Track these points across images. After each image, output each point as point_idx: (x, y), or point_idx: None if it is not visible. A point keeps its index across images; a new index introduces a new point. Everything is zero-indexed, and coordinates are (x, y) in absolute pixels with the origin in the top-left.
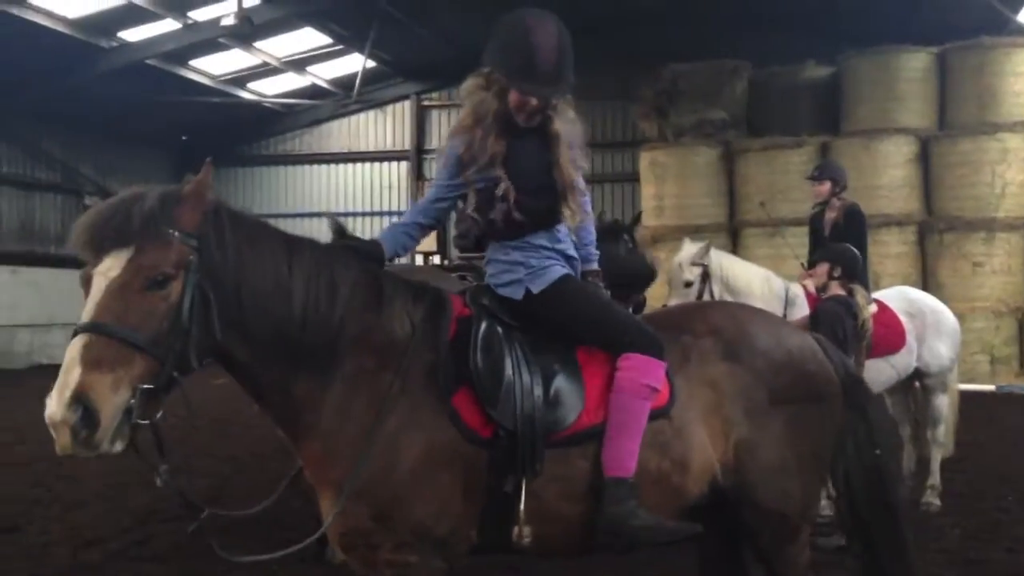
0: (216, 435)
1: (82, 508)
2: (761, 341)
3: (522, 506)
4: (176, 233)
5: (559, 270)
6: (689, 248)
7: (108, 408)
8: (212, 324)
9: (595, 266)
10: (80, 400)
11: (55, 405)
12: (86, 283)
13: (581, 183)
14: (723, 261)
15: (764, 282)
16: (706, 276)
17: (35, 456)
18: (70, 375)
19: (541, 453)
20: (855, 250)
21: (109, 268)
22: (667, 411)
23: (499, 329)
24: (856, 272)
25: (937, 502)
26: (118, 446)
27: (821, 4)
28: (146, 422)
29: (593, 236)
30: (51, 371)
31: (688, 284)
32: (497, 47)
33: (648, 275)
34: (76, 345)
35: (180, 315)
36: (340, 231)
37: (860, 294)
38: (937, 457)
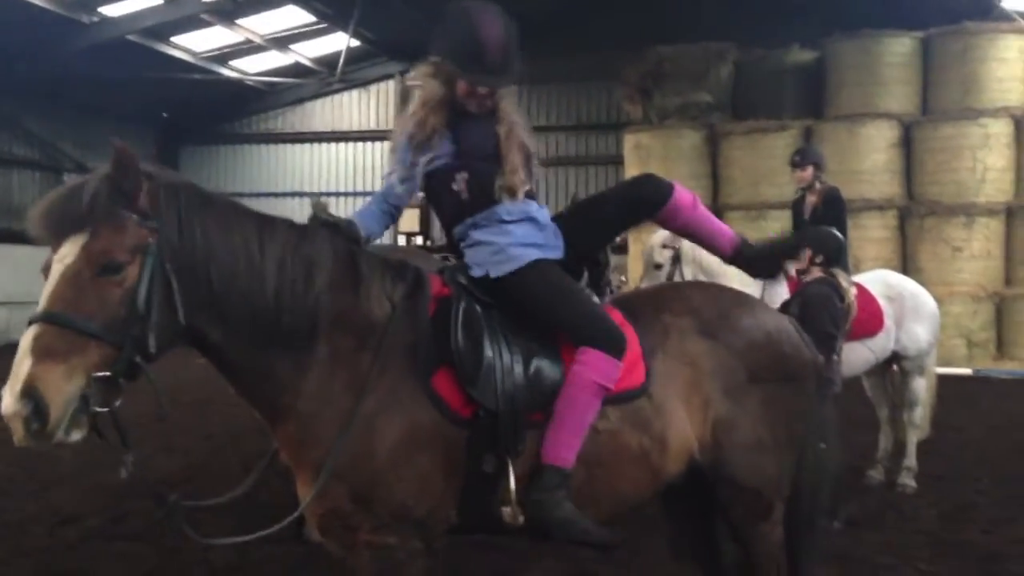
0: (196, 414)
1: (58, 486)
2: (739, 320)
3: (512, 486)
4: (133, 216)
5: (523, 255)
6: (662, 231)
7: (58, 399)
8: (175, 308)
9: None
10: (29, 392)
11: (7, 398)
12: (46, 271)
13: (528, 161)
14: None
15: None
16: (677, 259)
17: (10, 434)
18: (21, 367)
19: (523, 433)
20: (839, 236)
21: (65, 255)
22: (644, 390)
23: (478, 308)
24: (838, 258)
25: (913, 483)
26: (75, 435)
27: None
28: (104, 410)
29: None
30: None
31: (658, 267)
32: (444, 38)
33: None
34: (27, 336)
35: (136, 300)
36: (321, 210)
37: (842, 277)
38: (913, 439)
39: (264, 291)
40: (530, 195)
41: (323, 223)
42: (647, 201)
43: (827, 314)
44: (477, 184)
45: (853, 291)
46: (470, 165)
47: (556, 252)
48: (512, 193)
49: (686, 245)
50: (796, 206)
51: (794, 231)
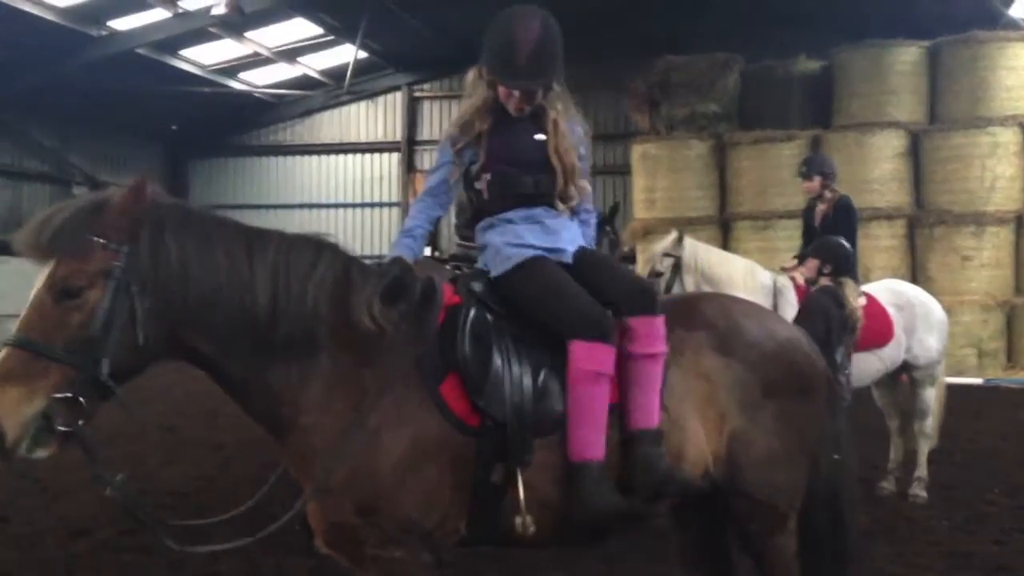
0: (204, 426)
1: (69, 498)
2: (753, 333)
3: (522, 495)
4: (101, 241)
5: (516, 254)
6: (664, 239)
7: (12, 420)
8: (135, 330)
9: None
10: None
11: None
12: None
13: (584, 169)
14: (699, 252)
15: (747, 273)
16: (678, 267)
17: None
18: None
19: (531, 443)
20: (848, 246)
21: (38, 281)
22: (661, 405)
23: (488, 317)
24: (847, 268)
25: (924, 494)
26: (40, 453)
27: None
28: (67, 429)
29: (586, 233)
30: None
31: (659, 274)
32: (486, 43)
33: None
34: None
35: (94, 323)
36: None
37: (849, 286)
38: (924, 449)
39: (256, 303)
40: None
41: (320, 235)
42: (628, 303)
43: (821, 323)
44: (498, 186)
45: (860, 301)
46: (495, 167)
47: (560, 254)
48: (564, 200)
49: (687, 253)
50: (807, 214)
51: (804, 239)
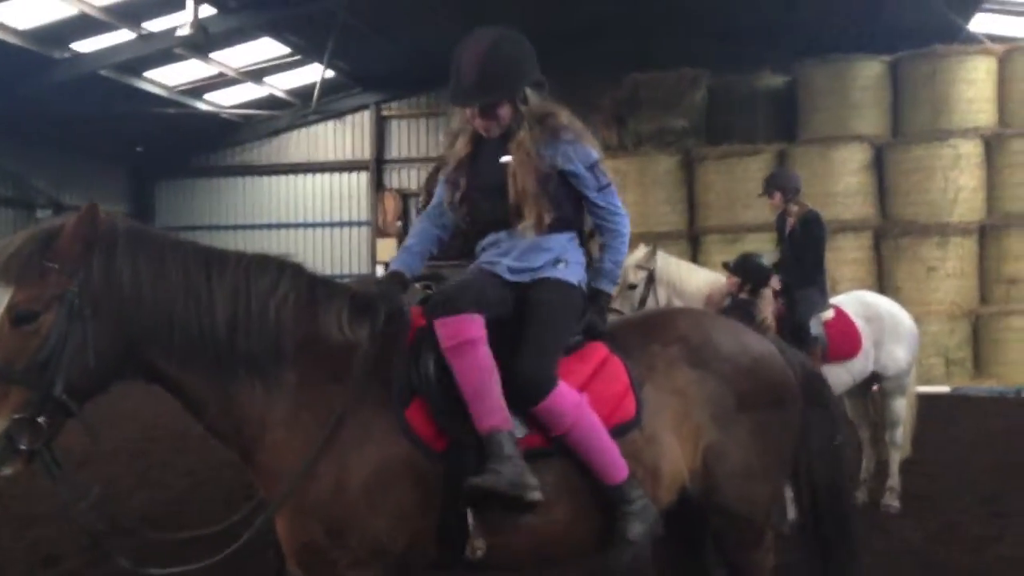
0: (174, 449)
1: (39, 526)
2: (727, 347)
3: (471, 520)
4: (55, 266)
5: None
6: (637, 252)
7: None
8: (88, 352)
9: (609, 286)
10: None
11: None
12: None
13: (537, 195)
14: (671, 267)
15: (714, 287)
16: (651, 279)
17: None
18: None
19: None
20: (764, 265)
21: (0, 307)
22: (637, 423)
23: None
24: (764, 282)
25: (897, 504)
26: (5, 471)
27: (777, 14)
28: (28, 448)
29: (620, 255)
30: None
31: (632, 287)
32: None
33: None
34: None
35: (47, 346)
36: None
37: (764, 299)
38: (896, 459)
39: (214, 323)
40: (564, 222)
41: (281, 256)
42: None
43: None
44: (469, 212)
45: (823, 315)
46: (471, 197)
47: (494, 266)
48: (522, 232)
49: (660, 266)
50: (779, 222)
51: (778, 247)
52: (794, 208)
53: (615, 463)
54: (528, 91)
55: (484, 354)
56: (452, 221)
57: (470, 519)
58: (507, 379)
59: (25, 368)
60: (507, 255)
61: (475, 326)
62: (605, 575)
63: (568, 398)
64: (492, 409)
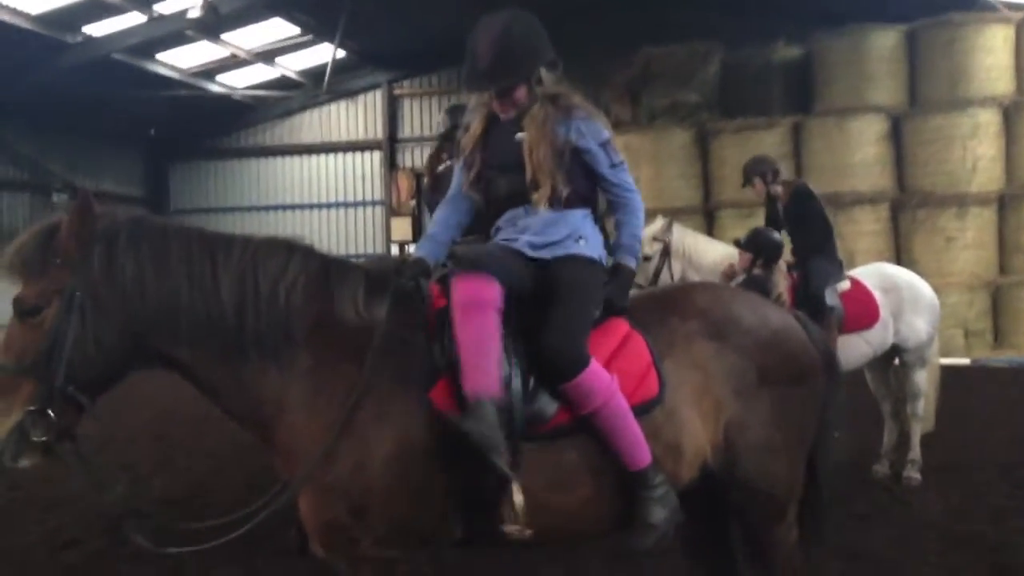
0: (195, 431)
1: (59, 509)
2: (747, 320)
3: (515, 499)
4: (56, 260)
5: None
6: (653, 225)
7: None
8: (87, 344)
9: (630, 260)
10: None
11: None
12: None
13: (601, 160)
14: (687, 239)
15: (728, 261)
16: (666, 252)
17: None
18: None
19: (519, 445)
20: (776, 239)
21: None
22: (660, 399)
23: None
24: (776, 256)
25: (918, 476)
26: (24, 461)
27: None
28: (42, 440)
29: (636, 229)
30: None
31: (647, 259)
32: None
33: None
34: None
35: (49, 338)
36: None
37: (778, 272)
38: (917, 431)
39: (221, 308)
40: (579, 198)
41: (290, 238)
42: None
43: None
44: (486, 190)
45: (839, 286)
46: (486, 175)
47: (512, 242)
48: (536, 204)
49: (676, 239)
50: (768, 205)
51: (769, 222)
52: (778, 188)
53: (639, 448)
54: (542, 71)
55: (494, 320)
56: (473, 206)
57: (515, 499)
58: (538, 355)
59: (32, 362)
60: (525, 232)
61: (493, 290)
62: (627, 558)
63: (601, 377)
64: (486, 373)
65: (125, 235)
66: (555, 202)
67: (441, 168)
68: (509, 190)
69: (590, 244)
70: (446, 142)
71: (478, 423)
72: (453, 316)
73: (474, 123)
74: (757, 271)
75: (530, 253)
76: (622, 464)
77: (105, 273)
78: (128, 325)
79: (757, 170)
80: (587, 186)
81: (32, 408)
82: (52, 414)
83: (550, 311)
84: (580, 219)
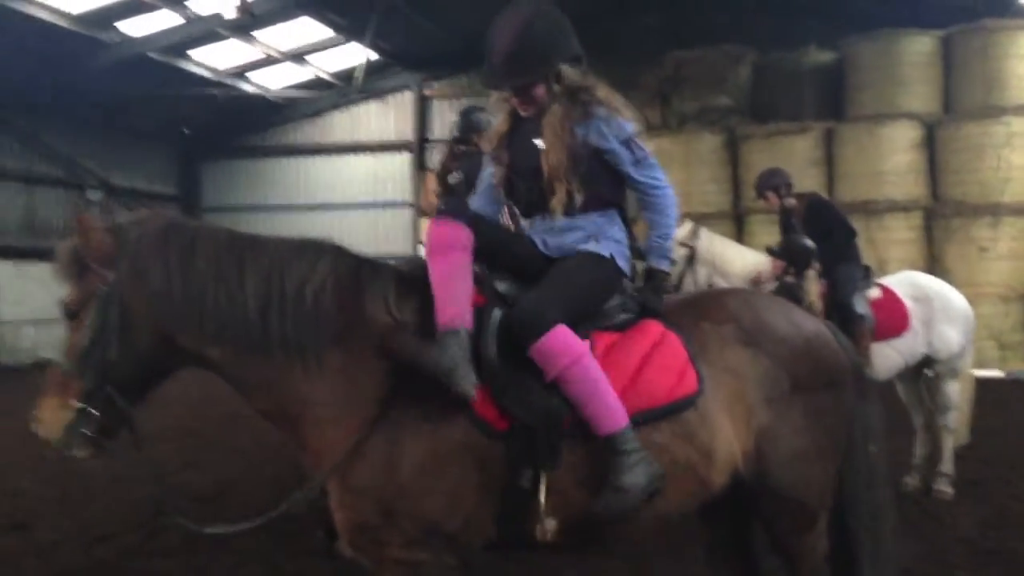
0: (225, 429)
1: (91, 503)
2: (780, 327)
3: (543, 500)
4: (94, 266)
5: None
6: (681, 229)
7: (49, 427)
8: (122, 344)
9: (661, 263)
10: (36, 420)
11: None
12: None
13: (624, 159)
14: (714, 245)
15: (757, 268)
16: (692, 258)
17: (42, 453)
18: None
19: (559, 446)
20: (808, 245)
21: None
22: (701, 393)
23: None
24: (808, 264)
25: (950, 490)
26: (80, 452)
27: None
28: (90, 433)
29: (666, 229)
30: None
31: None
32: None
33: None
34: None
35: (84, 340)
36: None
37: (809, 281)
38: (949, 444)
39: (246, 308)
40: (601, 202)
41: (320, 239)
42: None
43: None
44: (508, 194)
45: (869, 293)
46: (509, 178)
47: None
48: (553, 210)
49: (703, 244)
50: (782, 215)
51: (782, 236)
52: (792, 201)
53: (613, 410)
54: (565, 67)
55: (462, 258)
56: (504, 198)
57: (542, 500)
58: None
59: (75, 361)
60: (551, 233)
61: (462, 233)
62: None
63: (567, 339)
64: (454, 304)
65: (153, 239)
66: (571, 208)
67: (453, 181)
68: (528, 197)
69: (602, 243)
70: (457, 145)
71: (442, 352)
72: (427, 261)
73: (498, 120)
74: (789, 278)
75: (541, 248)
76: (595, 430)
77: (133, 277)
78: (157, 327)
79: (770, 183)
80: (611, 187)
81: (80, 405)
82: (95, 411)
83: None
84: (598, 221)
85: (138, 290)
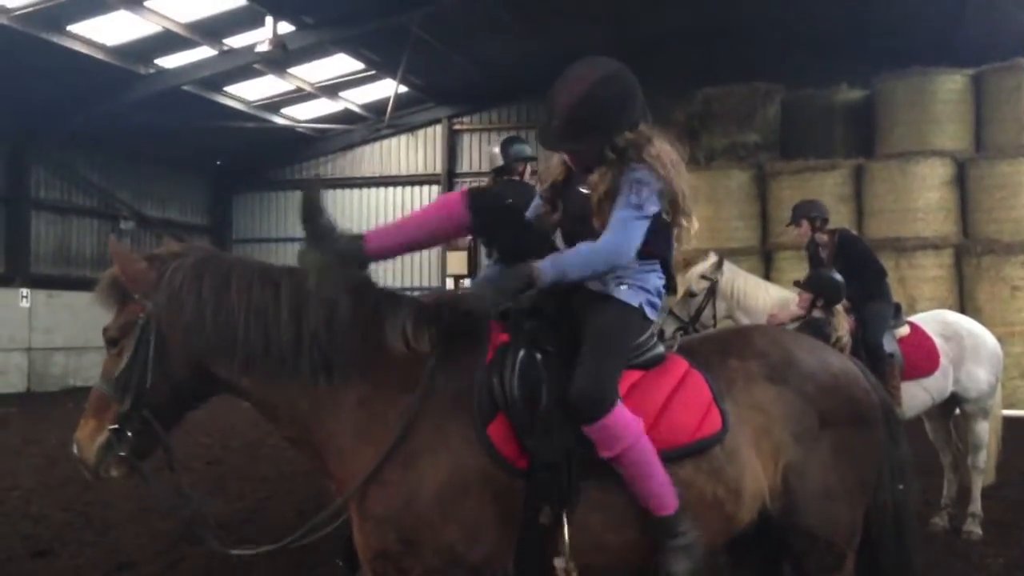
0: (248, 457)
1: (115, 531)
2: (807, 364)
3: (567, 539)
4: (135, 296)
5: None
6: (703, 262)
7: (87, 447)
8: (149, 372)
9: (540, 266)
10: (74, 441)
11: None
12: None
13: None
14: (737, 280)
15: (780, 305)
16: (712, 291)
17: (68, 479)
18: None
19: (577, 486)
20: (838, 279)
21: None
22: (725, 432)
23: (538, 356)
24: (837, 298)
25: (979, 531)
26: (113, 472)
27: (854, 26)
28: (124, 455)
29: (575, 255)
30: (85, 394)
31: (692, 295)
32: None
33: None
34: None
35: (123, 366)
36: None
37: (839, 316)
38: (978, 484)
39: (279, 339)
40: (646, 255)
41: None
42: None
43: None
44: (569, 243)
45: (898, 331)
46: (564, 222)
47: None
48: None
49: (725, 279)
50: (810, 247)
51: (811, 269)
52: (824, 237)
53: (666, 493)
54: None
55: (431, 213)
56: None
57: (566, 539)
58: (567, 398)
59: (112, 386)
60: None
61: (453, 200)
62: None
63: (627, 420)
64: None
65: (190, 271)
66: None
67: None
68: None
69: (632, 290)
70: (499, 176)
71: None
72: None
73: (555, 162)
74: (817, 313)
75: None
76: (647, 509)
77: (169, 307)
78: (192, 356)
79: (808, 212)
80: (657, 243)
81: (115, 427)
82: (129, 433)
83: (581, 354)
84: (634, 267)
85: (175, 320)
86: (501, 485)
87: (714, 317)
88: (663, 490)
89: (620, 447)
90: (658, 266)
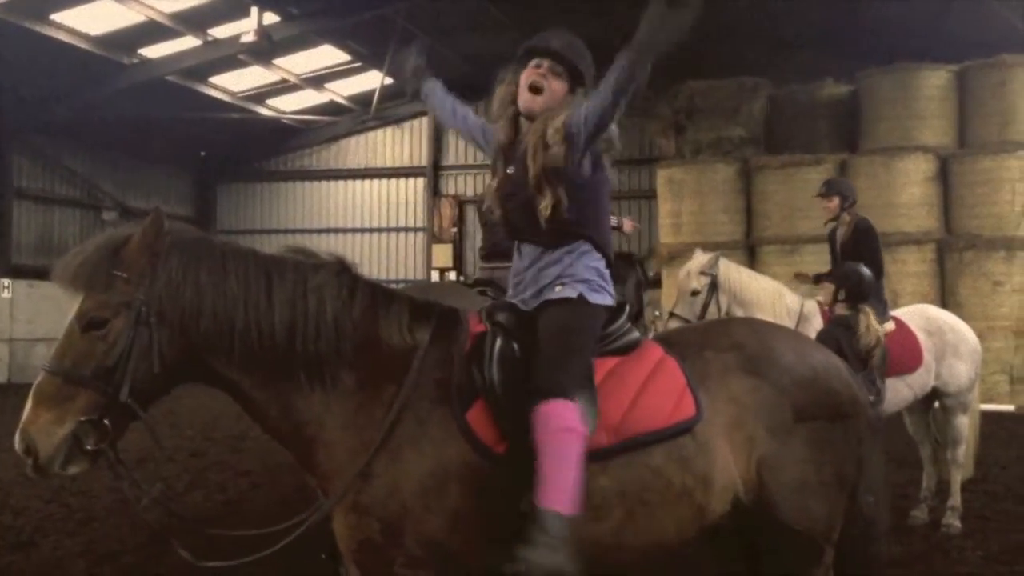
0: (231, 450)
1: (96, 523)
2: (785, 357)
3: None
4: (123, 275)
5: (560, 293)
6: (699, 258)
7: (45, 441)
8: (153, 357)
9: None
10: (23, 434)
11: (15, 437)
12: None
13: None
14: (732, 273)
15: (776, 296)
16: (714, 286)
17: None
18: (24, 411)
19: None
20: (863, 272)
21: (71, 313)
22: (694, 423)
23: (515, 346)
24: (862, 293)
25: (958, 524)
26: (72, 469)
27: (840, 22)
28: (96, 448)
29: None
30: None
31: (695, 293)
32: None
33: None
34: (34, 384)
35: (114, 352)
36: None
37: (866, 313)
38: (957, 478)
39: (273, 329)
40: (565, 232)
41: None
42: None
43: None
44: (505, 219)
45: (888, 326)
46: (503, 188)
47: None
48: (544, 210)
49: (722, 272)
50: (831, 236)
51: (832, 262)
52: (847, 218)
53: (565, 492)
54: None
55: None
56: (469, 128)
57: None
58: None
59: (93, 372)
60: (523, 289)
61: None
62: None
63: (569, 415)
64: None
65: (188, 253)
66: (558, 215)
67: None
68: (518, 220)
69: (568, 286)
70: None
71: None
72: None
73: (501, 125)
74: (840, 309)
75: (522, 308)
76: (537, 495)
77: (170, 289)
78: (185, 341)
79: (842, 188)
80: (583, 214)
81: (88, 418)
82: (108, 424)
83: (538, 359)
84: (564, 261)
85: (173, 303)
86: (482, 473)
87: (719, 312)
88: (571, 489)
89: (545, 434)
90: (588, 247)
